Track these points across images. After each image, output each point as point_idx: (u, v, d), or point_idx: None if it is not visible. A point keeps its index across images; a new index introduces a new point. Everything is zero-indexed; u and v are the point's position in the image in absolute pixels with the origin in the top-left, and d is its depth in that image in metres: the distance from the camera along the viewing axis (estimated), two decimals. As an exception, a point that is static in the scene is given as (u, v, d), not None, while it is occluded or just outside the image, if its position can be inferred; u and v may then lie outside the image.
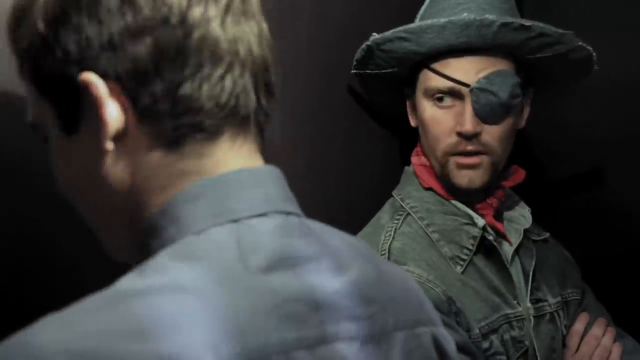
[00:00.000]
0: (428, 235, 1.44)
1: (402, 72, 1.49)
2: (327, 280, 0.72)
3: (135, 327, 0.61)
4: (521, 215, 1.54)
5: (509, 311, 1.44)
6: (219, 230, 0.69)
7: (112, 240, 0.79)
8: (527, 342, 1.45)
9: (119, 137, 0.71)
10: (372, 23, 1.54)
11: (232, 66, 0.72)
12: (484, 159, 1.41)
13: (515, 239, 1.50)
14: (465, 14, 1.37)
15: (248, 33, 0.74)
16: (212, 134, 0.72)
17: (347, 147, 1.61)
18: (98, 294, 0.64)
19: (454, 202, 1.47)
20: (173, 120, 0.71)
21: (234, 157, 0.74)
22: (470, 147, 1.40)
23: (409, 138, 1.57)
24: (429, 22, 1.38)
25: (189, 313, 0.63)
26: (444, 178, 1.45)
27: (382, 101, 1.63)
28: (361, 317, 0.73)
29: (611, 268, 1.75)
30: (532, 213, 1.55)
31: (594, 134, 1.79)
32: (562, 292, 1.55)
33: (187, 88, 0.70)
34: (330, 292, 0.72)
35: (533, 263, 1.51)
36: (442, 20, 1.37)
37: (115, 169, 0.73)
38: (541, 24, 1.38)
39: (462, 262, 1.42)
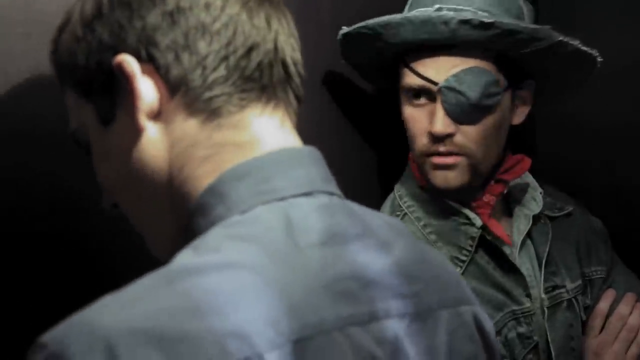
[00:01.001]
0: (425, 237, 1.39)
1: (385, 64, 1.42)
2: (374, 259, 0.73)
3: (196, 305, 0.62)
4: (532, 199, 1.46)
5: (515, 307, 1.39)
6: (266, 209, 0.71)
7: (156, 232, 0.80)
8: (536, 337, 1.40)
9: (154, 114, 0.75)
10: (393, 6, 1.45)
11: (257, 43, 0.75)
12: (460, 161, 1.32)
13: (525, 225, 1.43)
14: (427, 9, 1.30)
15: (272, 15, 0.77)
16: (241, 106, 0.74)
17: (353, 134, 1.57)
18: (155, 272, 0.65)
19: (450, 202, 1.40)
20: (204, 91, 0.74)
21: (267, 129, 0.75)
22: (442, 149, 1.32)
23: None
24: (385, 18, 1.31)
25: (248, 290, 0.64)
26: (424, 178, 1.38)
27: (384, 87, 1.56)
28: (408, 295, 0.75)
29: (630, 251, 1.62)
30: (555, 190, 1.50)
31: (608, 117, 1.67)
32: (585, 269, 1.48)
33: (214, 60, 0.74)
34: (377, 270, 0.73)
35: (547, 248, 1.44)
36: (399, 16, 1.30)
37: (154, 146, 0.75)
38: (508, 21, 1.27)
39: (461, 264, 1.37)
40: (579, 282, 1.46)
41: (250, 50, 0.74)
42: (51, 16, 1.00)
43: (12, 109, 1.07)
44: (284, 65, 0.77)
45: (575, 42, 1.31)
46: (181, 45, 0.73)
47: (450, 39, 1.28)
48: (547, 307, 1.41)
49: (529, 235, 1.43)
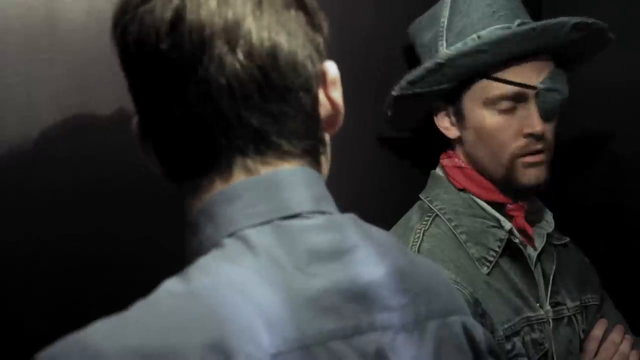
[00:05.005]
0: (456, 236, 1.46)
1: (453, 86, 1.48)
2: (364, 272, 0.76)
3: (180, 322, 0.65)
4: (544, 220, 1.57)
5: (530, 314, 1.47)
6: (254, 232, 0.73)
7: None
8: (547, 345, 1.47)
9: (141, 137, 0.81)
10: (396, 31, 1.58)
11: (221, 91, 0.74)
12: (544, 156, 1.47)
13: (539, 242, 1.53)
14: (503, 14, 1.44)
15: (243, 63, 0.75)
16: (210, 161, 0.76)
17: (372, 152, 1.63)
18: (147, 297, 0.69)
19: (482, 204, 1.50)
20: (168, 150, 0.78)
21: (254, 171, 0.77)
22: (539, 146, 1.45)
23: (435, 144, 1.60)
24: (510, 31, 1.41)
25: (230, 307, 0.67)
26: (507, 181, 1.47)
27: (406, 123, 1.64)
28: (396, 307, 0.77)
29: (631, 274, 1.76)
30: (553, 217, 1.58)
31: (615, 139, 1.80)
32: (581, 296, 1.58)
33: (177, 123, 0.75)
34: (365, 283, 0.75)
35: (554, 267, 1.54)
36: (524, 27, 1.41)
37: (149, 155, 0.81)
38: (599, 22, 1.46)
39: (488, 264, 1.45)
40: (578, 303, 1.56)
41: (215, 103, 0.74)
42: (75, 42, 1.07)
43: (35, 134, 1.07)
44: (250, 113, 0.75)
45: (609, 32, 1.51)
46: (149, 98, 0.76)
47: (561, 42, 1.44)
48: (552, 319, 1.50)
49: (538, 254, 1.53)
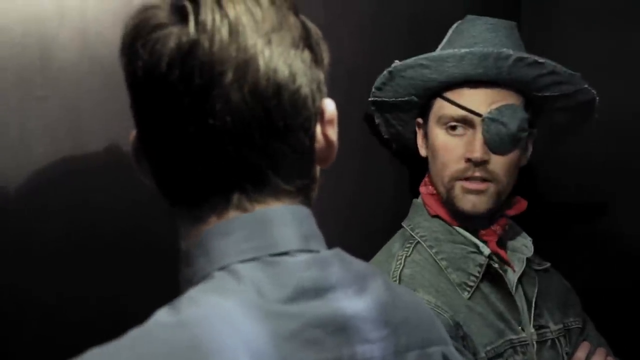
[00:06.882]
0: (437, 263, 1.50)
1: (418, 100, 1.56)
2: (345, 307, 0.79)
3: (170, 354, 0.68)
4: (523, 245, 1.61)
5: (513, 337, 1.49)
6: (243, 267, 0.76)
7: None
8: None
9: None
10: (381, 60, 1.60)
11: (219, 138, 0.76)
12: (489, 187, 1.48)
13: (518, 267, 1.57)
14: (482, 46, 1.47)
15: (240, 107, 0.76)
16: (219, 202, 0.79)
17: (359, 180, 1.67)
18: (136, 328, 0.72)
19: (460, 230, 1.54)
20: (168, 186, 0.80)
21: (248, 207, 0.79)
22: (477, 174, 1.47)
23: (418, 173, 1.64)
24: (450, 51, 1.47)
25: (218, 339, 0.70)
26: (449, 202, 1.51)
27: (393, 133, 1.69)
28: (377, 339, 0.80)
29: (611, 298, 1.79)
30: (533, 243, 1.62)
31: (595, 166, 1.85)
32: (564, 320, 1.61)
33: (176, 162, 0.78)
34: (348, 317, 0.79)
35: (535, 291, 1.57)
36: (462, 50, 1.45)
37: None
38: (553, 62, 1.47)
39: (469, 289, 1.48)
40: (561, 326, 1.59)
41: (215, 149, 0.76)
42: (68, 80, 1.09)
43: (29, 170, 1.09)
44: (242, 152, 0.76)
45: (594, 92, 1.53)
46: (150, 122, 0.78)
47: (505, 74, 1.45)
48: (536, 342, 1.53)
49: (519, 278, 1.57)
